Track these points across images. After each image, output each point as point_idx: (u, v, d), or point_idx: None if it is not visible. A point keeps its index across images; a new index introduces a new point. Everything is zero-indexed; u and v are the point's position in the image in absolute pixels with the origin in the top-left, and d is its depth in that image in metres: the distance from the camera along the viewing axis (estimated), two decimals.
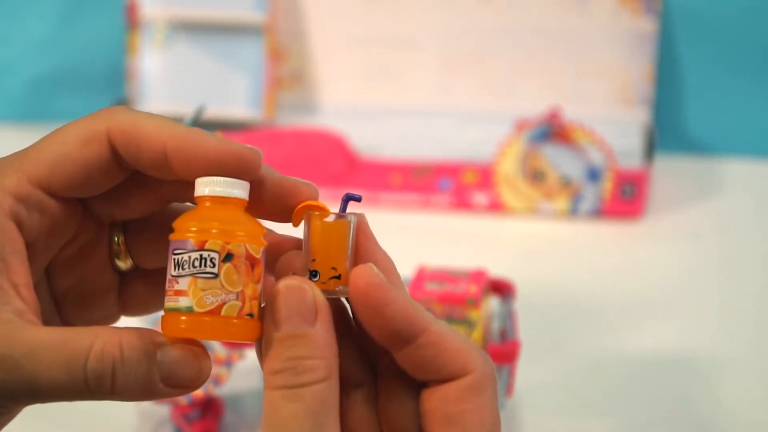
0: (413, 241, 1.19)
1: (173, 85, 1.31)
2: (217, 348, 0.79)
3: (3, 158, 0.50)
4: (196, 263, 0.47)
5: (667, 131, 1.37)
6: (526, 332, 0.86)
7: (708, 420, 0.90)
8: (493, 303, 0.89)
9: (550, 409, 0.91)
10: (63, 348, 0.46)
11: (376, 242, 0.50)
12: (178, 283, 0.47)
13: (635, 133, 1.29)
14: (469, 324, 0.84)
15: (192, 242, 0.47)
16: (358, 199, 0.49)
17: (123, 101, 1.32)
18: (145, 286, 0.54)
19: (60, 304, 0.50)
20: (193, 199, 0.49)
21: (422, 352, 0.48)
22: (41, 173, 0.48)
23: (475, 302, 0.84)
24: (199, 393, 0.78)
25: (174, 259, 0.47)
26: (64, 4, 1.40)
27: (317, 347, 0.46)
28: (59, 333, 0.46)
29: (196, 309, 0.46)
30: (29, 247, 0.48)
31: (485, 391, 0.48)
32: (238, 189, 0.48)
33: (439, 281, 0.87)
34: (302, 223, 0.49)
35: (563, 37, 1.32)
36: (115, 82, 1.36)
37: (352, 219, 0.48)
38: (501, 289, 0.89)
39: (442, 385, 0.48)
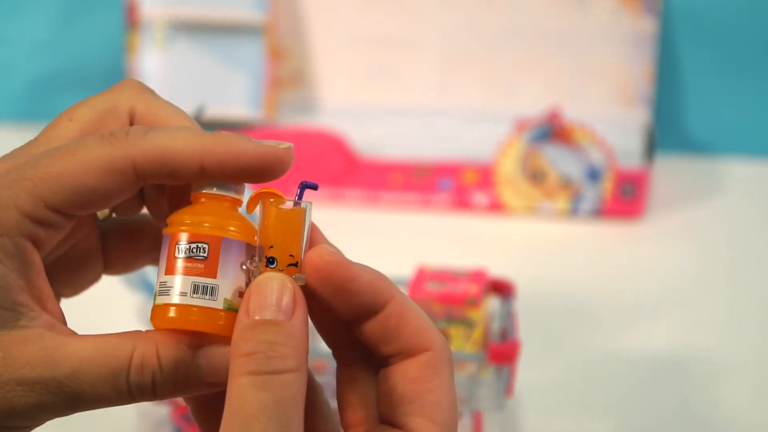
0: (413, 241, 1.19)
1: (173, 85, 1.31)
2: None
3: (11, 165, 0.48)
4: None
5: (667, 131, 1.37)
6: (526, 332, 0.86)
7: (708, 420, 0.90)
8: (493, 303, 0.89)
9: (550, 409, 0.91)
10: (104, 364, 0.47)
11: (321, 233, 0.49)
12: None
13: (635, 133, 1.29)
14: (469, 324, 0.84)
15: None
16: (314, 188, 0.49)
17: None
18: (126, 244, 0.55)
19: (50, 274, 0.50)
20: None
21: (386, 322, 0.48)
22: (59, 201, 0.47)
23: (475, 302, 0.84)
24: None
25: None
26: (64, 4, 1.40)
27: (292, 337, 0.46)
28: (97, 346, 0.47)
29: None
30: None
31: (443, 371, 0.48)
32: (233, 188, 0.49)
33: (439, 281, 0.87)
34: (256, 210, 0.49)
35: (563, 37, 1.32)
36: (114, 82, 1.36)
37: (308, 206, 0.48)
38: (501, 289, 0.89)
39: (400, 363, 0.48)
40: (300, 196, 0.48)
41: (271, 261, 0.48)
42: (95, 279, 0.55)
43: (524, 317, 0.89)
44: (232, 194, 0.49)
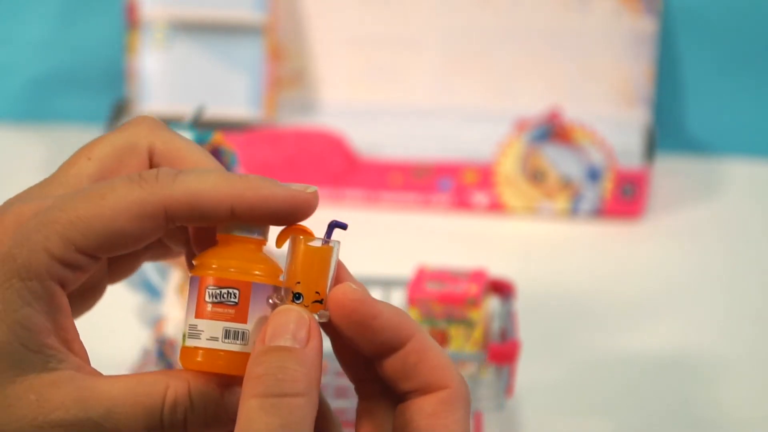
0: (413, 241, 1.19)
1: (173, 85, 1.31)
2: None
3: (37, 207, 0.48)
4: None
5: (667, 131, 1.37)
6: (526, 332, 0.86)
7: (709, 420, 0.90)
8: (493, 303, 0.89)
9: (550, 409, 0.91)
10: (138, 403, 0.47)
11: (347, 270, 0.50)
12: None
13: (635, 133, 1.29)
14: (469, 324, 0.84)
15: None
16: (344, 227, 0.49)
17: (122, 102, 1.32)
18: (128, 260, 0.55)
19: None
20: None
21: (407, 358, 0.49)
22: (89, 245, 0.47)
23: (475, 302, 0.84)
24: None
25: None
26: (64, 4, 1.40)
27: (304, 364, 0.46)
28: (130, 385, 0.48)
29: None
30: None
31: (459, 409, 0.49)
32: (258, 230, 0.49)
33: (439, 281, 0.87)
34: (285, 245, 0.49)
35: (563, 37, 1.32)
36: (115, 82, 1.36)
37: (336, 246, 0.49)
38: (501, 289, 0.88)
39: (418, 398, 0.49)
40: (329, 235, 0.49)
41: (297, 296, 0.48)
42: (100, 298, 0.55)
43: (524, 317, 0.89)
44: (258, 236, 0.49)
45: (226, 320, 0.48)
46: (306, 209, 0.49)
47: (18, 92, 1.43)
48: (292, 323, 0.47)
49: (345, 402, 0.81)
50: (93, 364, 0.49)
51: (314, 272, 0.49)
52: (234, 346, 0.48)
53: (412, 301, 0.85)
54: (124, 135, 0.53)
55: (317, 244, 0.49)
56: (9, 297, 0.46)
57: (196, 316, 0.48)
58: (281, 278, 0.49)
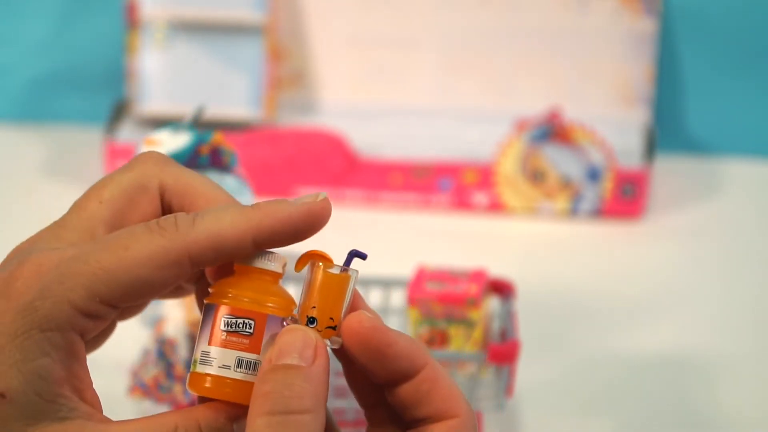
0: (413, 241, 1.19)
1: (173, 85, 1.31)
2: None
3: (59, 258, 0.48)
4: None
5: (667, 131, 1.37)
6: (526, 332, 0.86)
7: (708, 420, 0.90)
8: (493, 303, 0.89)
9: (550, 409, 0.91)
10: None
11: (362, 299, 0.51)
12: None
13: (635, 133, 1.29)
14: (469, 324, 0.84)
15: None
16: (363, 257, 0.50)
17: (122, 102, 1.32)
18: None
19: None
20: None
21: (419, 386, 0.49)
22: (113, 296, 0.47)
23: (475, 302, 0.84)
24: None
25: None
26: (64, 4, 1.40)
27: (310, 381, 0.47)
28: (139, 430, 0.48)
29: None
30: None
31: None
32: (275, 262, 0.50)
33: (439, 281, 0.87)
34: (304, 270, 0.50)
35: (563, 37, 1.32)
36: (115, 82, 1.36)
37: (354, 275, 0.50)
38: (501, 289, 0.89)
39: (427, 426, 0.49)
40: (348, 263, 0.50)
41: (311, 321, 0.49)
42: (110, 336, 0.55)
43: (524, 317, 0.89)
44: (273, 268, 0.50)
45: (240, 350, 0.49)
46: (322, 218, 0.50)
47: (18, 92, 1.43)
48: (299, 342, 0.47)
49: (345, 402, 0.81)
50: (93, 364, 0.49)
51: (330, 299, 0.49)
52: (245, 376, 0.48)
53: (412, 301, 0.85)
54: (132, 174, 0.52)
55: (336, 271, 0.49)
56: (28, 347, 0.47)
57: (210, 343, 0.49)
58: (295, 311, 0.50)
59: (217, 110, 1.25)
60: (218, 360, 0.49)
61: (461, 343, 0.84)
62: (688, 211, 1.26)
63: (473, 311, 0.84)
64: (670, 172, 1.31)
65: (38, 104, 1.42)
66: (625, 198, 1.23)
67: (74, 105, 1.41)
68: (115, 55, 1.36)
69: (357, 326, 0.48)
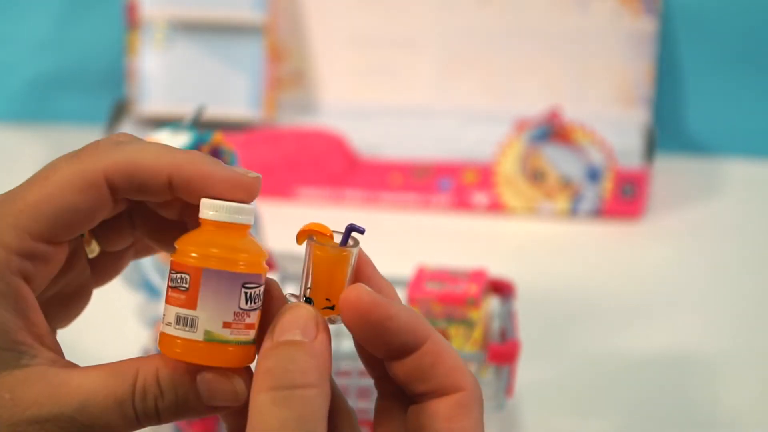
0: (413, 241, 1.19)
1: (173, 85, 1.31)
2: None
3: None
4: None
5: (667, 131, 1.37)
6: (526, 332, 0.86)
7: (708, 419, 0.90)
8: (493, 303, 0.89)
9: (550, 409, 0.91)
10: (110, 394, 0.47)
11: (375, 269, 0.50)
12: (165, 302, 0.47)
13: (635, 133, 1.29)
14: (469, 324, 0.84)
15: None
16: (361, 231, 0.49)
17: (122, 102, 1.32)
18: (111, 261, 0.55)
19: (46, 311, 0.50)
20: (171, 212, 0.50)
21: (422, 360, 0.48)
22: (42, 228, 0.47)
23: (475, 302, 0.84)
24: None
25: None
26: (64, 4, 1.40)
27: (313, 355, 0.46)
28: (101, 377, 0.47)
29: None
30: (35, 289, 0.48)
31: (473, 412, 0.48)
32: (243, 214, 0.48)
33: (439, 281, 0.87)
34: (305, 244, 0.49)
35: (563, 37, 1.32)
36: (115, 82, 1.36)
37: (354, 251, 0.48)
38: (501, 289, 0.89)
39: (432, 400, 0.48)
40: (345, 240, 0.48)
41: (308, 301, 0.48)
42: (86, 306, 0.55)
43: (524, 317, 0.89)
44: (240, 221, 0.48)
45: (178, 305, 0.47)
46: (245, 193, 0.48)
47: (18, 92, 1.43)
48: (301, 318, 0.47)
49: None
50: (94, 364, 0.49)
51: (326, 278, 0.48)
52: (184, 333, 0.47)
53: (412, 301, 0.85)
54: (76, 167, 0.50)
55: (334, 248, 0.48)
56: None
57: (165, 301, 0.48)
58: (264, 265, 0.48)
59: (217, 110, 1.25)
60: (166, 317, 0.47)
61: (461, 343, 0.84)
62: (688, 211, 1.26)
63: (473, 311, 0.84)
64: (670, 172, 1.31)
65: (38, 104, 1.42)
66: (625, 198, 1.23)
67: (74, 105, 1.41)
68: (115, 55, 1.36)
69: (355, 301, 0.47)
